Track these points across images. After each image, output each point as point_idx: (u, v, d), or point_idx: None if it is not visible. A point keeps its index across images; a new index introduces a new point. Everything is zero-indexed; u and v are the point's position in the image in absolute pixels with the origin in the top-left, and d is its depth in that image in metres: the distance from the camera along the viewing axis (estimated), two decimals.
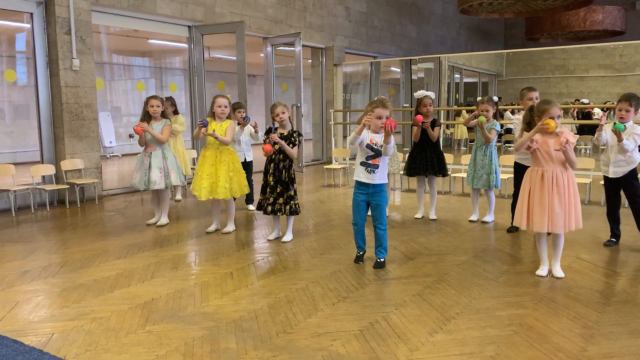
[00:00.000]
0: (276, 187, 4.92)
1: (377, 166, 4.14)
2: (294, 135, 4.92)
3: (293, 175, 4.98)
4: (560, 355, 2.75)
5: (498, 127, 5.55)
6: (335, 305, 3.47)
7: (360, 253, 4.42)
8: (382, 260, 4.28)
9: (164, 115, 5.82)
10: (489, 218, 5.83)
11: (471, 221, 5.87)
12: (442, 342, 2.92)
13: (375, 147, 4.11)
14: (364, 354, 2.79)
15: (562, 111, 3.99)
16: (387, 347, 2.86)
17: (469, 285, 3.83)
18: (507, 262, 4.41)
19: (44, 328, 3.16)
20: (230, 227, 5.51)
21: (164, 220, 5.89)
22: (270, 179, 4.93)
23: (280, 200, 4.91)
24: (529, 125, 3.96)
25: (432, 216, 6.02)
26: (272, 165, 4.93)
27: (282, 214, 4.95)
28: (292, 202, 4.94)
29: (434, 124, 5.79)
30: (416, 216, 6.12)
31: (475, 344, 2.89)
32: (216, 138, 5.12)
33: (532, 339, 2.94)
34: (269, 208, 4.94)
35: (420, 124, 5.63)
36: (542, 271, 4.02)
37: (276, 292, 3.72)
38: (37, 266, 4.40)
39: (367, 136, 4.11)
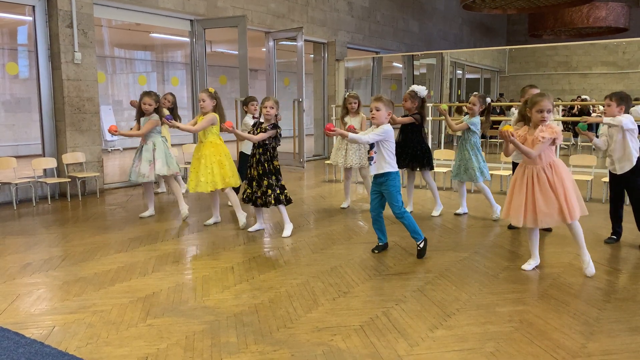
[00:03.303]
0: (262, 179, 4.98)
1: (372, 158, 4.28)
2: (268, 127, 4.91)
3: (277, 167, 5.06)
4: (560, 351, 2.75)
5: (472, 125, 5.53)
6: (335, 300, 3.48)
7: (380, 244, 4.60)
8: (419, 244, 4.38)
9: (157, 111, 5.70)
10: (497, 212, 5.71)
11: (456, 214, 5.97)
12: (442, 337, 2.93)
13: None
14: (364, 348, 2.80)
15: (554, 106, 3.97)
16: (387, 342, 2.87)
17: (469, 281, 3.83)
18: (508, 258, 4.41)
19: (45, 321, 3.17)
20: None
21: (184, 211, 5.82)
22: (256, 171, 4.98)
23: (269, 191, 4.98)
24: (523, 117, 3.97)
25: (435, 212, 6.00)
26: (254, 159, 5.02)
27: (280, 203, 5.04)
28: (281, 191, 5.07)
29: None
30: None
31: (475, 339, 2.90)
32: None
33: (532, 335, 2.95)
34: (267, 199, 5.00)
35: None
36: (529, 265, 4.07)
37: (277, 287, 3.73)
38: (38, 259, 4.41)
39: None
